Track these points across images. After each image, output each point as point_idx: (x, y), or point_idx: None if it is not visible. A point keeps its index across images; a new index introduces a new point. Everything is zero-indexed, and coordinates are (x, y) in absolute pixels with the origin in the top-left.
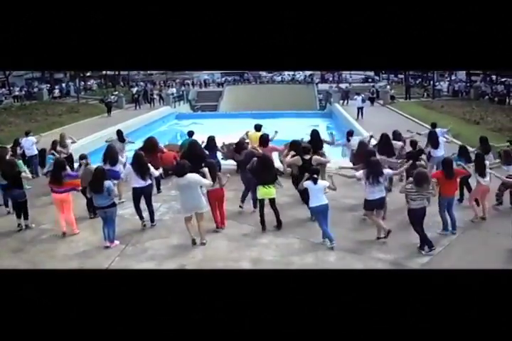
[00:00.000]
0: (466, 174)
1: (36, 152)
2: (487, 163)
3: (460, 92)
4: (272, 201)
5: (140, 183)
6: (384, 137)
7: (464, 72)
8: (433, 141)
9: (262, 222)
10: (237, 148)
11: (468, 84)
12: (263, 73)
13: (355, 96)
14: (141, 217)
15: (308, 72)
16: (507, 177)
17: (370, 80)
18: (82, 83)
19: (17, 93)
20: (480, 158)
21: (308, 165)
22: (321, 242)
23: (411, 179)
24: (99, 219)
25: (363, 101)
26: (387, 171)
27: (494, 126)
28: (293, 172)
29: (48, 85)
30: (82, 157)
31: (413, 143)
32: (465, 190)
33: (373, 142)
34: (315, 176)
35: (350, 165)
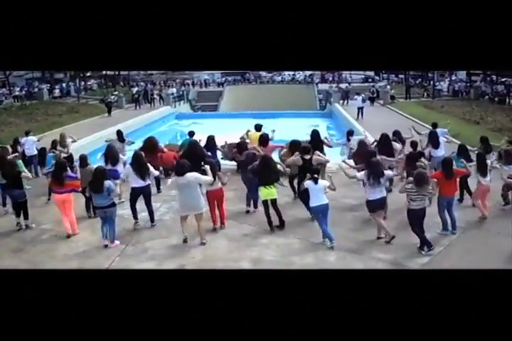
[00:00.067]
0: (465, 173)
1: (36, 152)
2: (488, 162)
3: (460, 92)
4: (274, 201)
5: (139, 183)
6: (384, 137)
7: (464, 72)
8: (433, 141)
9: (270, 222)
10: (239, 149)
11: (468, 84)
12: (263, 73)
13: (356, 96)
14: (136, 218)
15: (308, 72)
16: (508, 178)
17: (370, 80)
18: (83, 83)
19: (17, 93)
20: (481, 157)
21: (308, 165)
22: (321, 242)
23: (410, 178)
24: (99, 219)
25: (364, 101)
26: (387, 172)
27: (494, 126)
28: (291, 172)
29: (48, 85)
30: (82, 157)
31: (413, 144)
32: (465, 190)
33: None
34: (315, 176)
35: (351, 162)
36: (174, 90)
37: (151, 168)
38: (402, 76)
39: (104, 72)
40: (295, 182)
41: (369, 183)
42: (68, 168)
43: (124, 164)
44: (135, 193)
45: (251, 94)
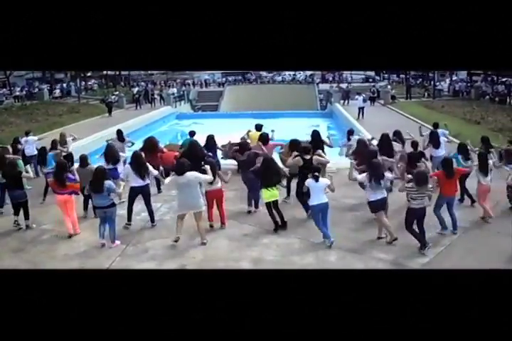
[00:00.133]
0: (466, 172)
1: (36, 152)
2: (490, 162)
3: (461, 92)
4: (275, 202)
5: (139, 182)
6: (384, 137)
7: (465, 72)
8: (434, 141)
9: (276, 222)
10: (241, 149)
11: (468, 84)
12: (264, 73)
13: (357, 96)
14: (129, 219)
15: (308, 72)
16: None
17: (370, 80)
18: (83, 83)
19: (18, 93)
20: (483, 157)
21: (308, 165)
22: (321, 242)
23: (409, 176)
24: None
25: (364, 101)
26: (387, 175)
27: (495, 126)
28: (289, 172)
29: (48, 85)
30: (82, 157)
31: (414, 144)
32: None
33: (374, 142)
34: (316, 174)
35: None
36: (175, 90)
37: (151, 168)
38: (403, 76)
39: (104, 72)
40: (294, 183)
41: (370, 185)
42: (68, 168)
43: (124, 162)
44: (134, 192)
45: (251, 94)
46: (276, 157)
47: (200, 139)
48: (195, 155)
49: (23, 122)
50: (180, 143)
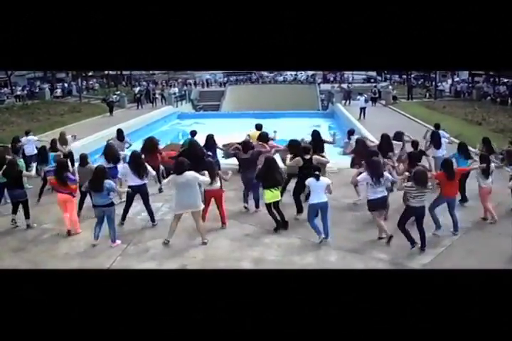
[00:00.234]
0: (465, 170)
1: (36, 151)
2: (492, 165)
3: (462, 93)
4: (276, 203)
5: (136, 182)
6: (385, 137)
7: (467, 72)
8: (435, 141)
9: (277, 221)
10: (244, 148)
11: (470, 85)
12: (265, 73)
13: (358, 97)
14: (123, 218)
15: (310, 72)
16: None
17: (372, 80)
18: (85, 82)
19: (19, 92)
20: (485, 158)
21: (308, 165)
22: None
23: (406, 173)
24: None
25: (366, 101)
26: (387, 174)
27: (496, 127)
28: (288, 173)
29: (50, 85)
30: (82, 157)
31: (414, 144)
32: (467, 191)
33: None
34: (317, 173)
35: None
36: (176, 90)
37: (149, 168)
38: (405, 76)
39: (106, 72)
40: (292, 183)
41: (370, 183)
42: (69, 167)
43: (124, 160)
44: (132, 192)
45: (253, 94)
46: (277, 157)
47: (202, 139)
48: (195, 155)
49: (25, 122)
50: (181, 142)
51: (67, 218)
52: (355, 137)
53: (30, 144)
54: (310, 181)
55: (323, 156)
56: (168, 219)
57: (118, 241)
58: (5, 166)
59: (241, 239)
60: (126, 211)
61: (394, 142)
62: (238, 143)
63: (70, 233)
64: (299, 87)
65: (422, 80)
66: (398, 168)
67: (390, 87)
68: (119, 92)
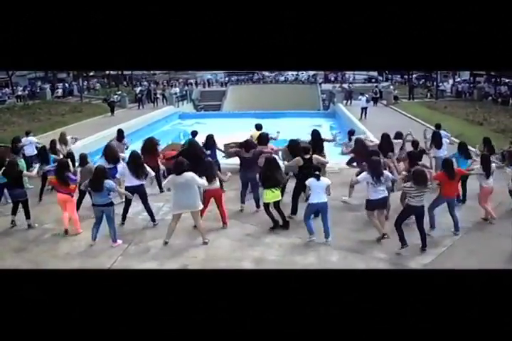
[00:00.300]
0: (465, 173)
1: (35, 152)
2: (493, 165)
3: (463, 93)
4: (277, 202)
5: (133, 182)
6: (385, 137)
7: (468, 72)
8: (436, 141)
9: (274, 220)
10: (246, 147)
11: (471, 85)
12: (266, 73)
13: (360, 97)
14: (123, 219)
15: (311, 72)
16: None
17: (373, 80)
18: (86, 82)
19: (20, 93)
20: (486, 158)
21: (308, 165)
22: (323, 242)
23: (404, 173)
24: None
25: (368, 101)
26: (387, 173)
27: (497, 127)
28: (286, 172)
29: (51, 85)
30: (82, 156)
31: (414, 143)
32: (467, 191)
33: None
34: (317, 173)
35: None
36: (177, 90)
37: (148, 169)
38: (407, 76)
39: (107, 72)
40: (291, 183)
41: (371, 183)
42: (71, 167)
43: (124, 160)
44: (129, 192)
45: (254, 94)
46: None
47: (203, 139)
48: (194, 155)
49: (26, 122)
50: (182, 142)
51: (66, 217)
52: (355, 137)
53: (30, 145)
54: (310, 181)
55: (322, 156)
56: (169, 219)
57: (119, 241)
58: (5, 166)
59: (242, 239)
60: (125, 211)
61: (394, 141)
62: (240, 143)
63: (68, 232)
64: (301, 87)
65: (423, 80)
66: (398, 167)
67: (391, 87)
68: (120, 92)
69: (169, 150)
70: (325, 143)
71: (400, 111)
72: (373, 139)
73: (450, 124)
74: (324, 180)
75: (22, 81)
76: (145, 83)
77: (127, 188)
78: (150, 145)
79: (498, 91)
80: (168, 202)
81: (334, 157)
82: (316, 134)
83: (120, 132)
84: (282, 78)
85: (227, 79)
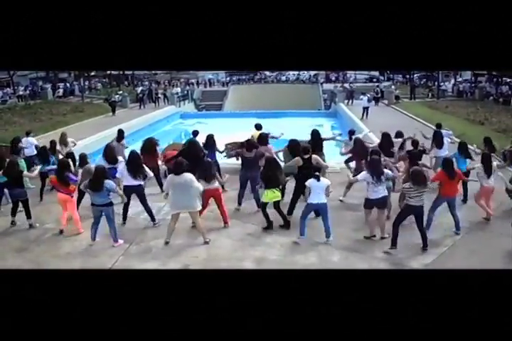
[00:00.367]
0: (463, 179)
1: (35, 152)
2: (494, 163)
3: (465, 93)
4: (277, 203)
5: (130, 182)
6: (385, 136)
7: (470, 72)
8: (438, 141)
9: (268, 220)
10: (248, 146)
11: (473, 85)
12: (267, 72)
13: (361, 96)
14: (124, 218)
15: (313, 72)
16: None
17: (374, 80)
18: (87, 82)
19: (21, 92)
20: (487, 158)
21: (307, 165)
22: (324, 242)
23: (400, 174)
24: (103, 218)
25: (369, 101)
26: (387, 171)
27: (499, 127)
28: (286, 172)
29: (52, 84)
30: (82, 156)
31: (414, 143)
32: (468, 190)
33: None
34: (317, 174)
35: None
36: (179, 89)
37: (147, 169)
38: (409, 76)
39: (108, 72)
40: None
41: (371, 182)
42: (71, 167)
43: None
44: (127, 192)
45: (256, 94)
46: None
47: (204, 139)
48: (193, 155)
49: (27, 121)
50: (183, 142)
51: (65, 218)
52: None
53: (30, 146)
54: (310, 182)
55: (321, 155)
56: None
57: (120, 241)
58: (5, 166)
59: (243, 239)
60: (125, 210)
61: (394, 140)
62: (241, 143)
63: (63, 232)
64: (302, 87)
65: (424, 80)
66: (399, 166)
67: (393, 86)
68: (121, 92)
69: (170, 150)
70: (326, 143)
71: (402, 111)
72: (374, 139)
73: (451, 124)
74: (324, 181)
75: (23, 81)
76: (146, 83)
77: (125, 187)
78: (149, 145)
79: (500, 91)
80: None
81: (335, 156)
82: (315, 134)
83: (120, 132)
84: (284, 78)
85: (228, 78)
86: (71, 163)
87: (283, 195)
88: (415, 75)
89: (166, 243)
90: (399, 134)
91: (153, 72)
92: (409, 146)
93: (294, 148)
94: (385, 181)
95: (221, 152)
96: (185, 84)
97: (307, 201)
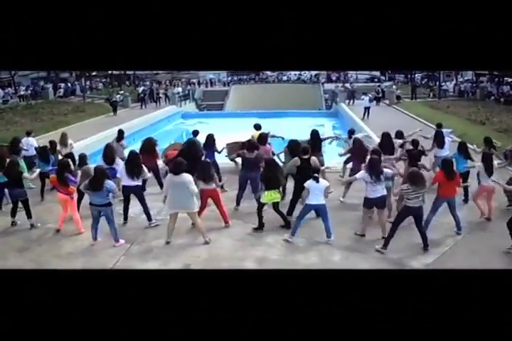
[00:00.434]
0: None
1: (35, 152)
2: (495, 163)
3: (466, 93)
4: (276, 204)
5: (128, 182)
6: (385, 136)
7: (471, 72)
8: (439, 140)
9: (261, 221)
10: (249, 147)
11: (474, 85)
12: (268, 72)
13: (362, 96)
14: (125, 218)
15: (314, 72)
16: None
17: (376, 80)
18: (88, 82)
19: (23, 92)
20: (488, 157)
21: (306, 165)
22: (325, 241)
23: (401, 170)
24: (103, 218)
25: (371, 101)
26: (386, 170)
27: (500, 127)
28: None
29: (53, 84)
30: (81, 157)
31: (414, 142)
32: (469, 190)
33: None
34: (316, 175)
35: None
36: (180, 89)
37: (146, 169)
38: (410, 76)
39: (109, 72)
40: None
41: (370, 181)
42: (71, 167)
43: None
44: (126, 192)
45: (257, 94)
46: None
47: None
48: (193, 155)
49: (28, 121)
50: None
51: (63, 218)
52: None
53: (30, 148)
54: (309, 183)
55: (320, 155)
56: None
57: (122, 241)
58: (5, 166)
59: (244, 239)
60: (125, 210)
61: (394, 140)
62: (242, 143)
63: (59, 232)
64: (303, 87)
65: (425, 80)
66: (398, 167)
67: (394, 86)
68: (122, 92)
69: (171, 149)
70: (326, 144)
71: (403, 111)
72: (376, 139)
73: (453, 124)
74: (323, 182)
75: (24, 81)
76: (147, 83)
77: (124, 187)
78: (148, 145)
79: (501, 91)
80: None
81: (335, 157)
82: (315, 134)
83: (120, 133)
84: (285, 78)
85: (229, 78)
86: (71, 163)
87: (284, 195)
88: (417, 75)
89: (167, 243)
90: (399, 134)
91: (155, 71)
92: (409, 146)
93: (294, 148)
94: (384, 180)
95: (219, 152)
96: (187, 84)
97: (306, 202)
